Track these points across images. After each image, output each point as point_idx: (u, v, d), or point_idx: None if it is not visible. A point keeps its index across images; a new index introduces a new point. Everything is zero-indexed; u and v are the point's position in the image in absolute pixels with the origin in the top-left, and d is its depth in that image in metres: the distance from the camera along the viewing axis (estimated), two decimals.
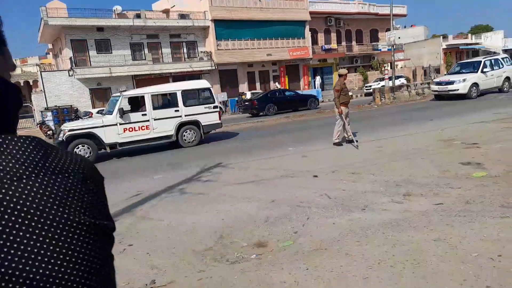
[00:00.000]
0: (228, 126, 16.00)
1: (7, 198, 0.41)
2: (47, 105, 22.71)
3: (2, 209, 0.40)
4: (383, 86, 22.94)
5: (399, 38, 24.81)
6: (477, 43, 48.63)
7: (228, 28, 28.28)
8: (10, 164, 0.43)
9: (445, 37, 48.15)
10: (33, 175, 0.43)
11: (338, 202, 4.58)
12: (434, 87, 18.11)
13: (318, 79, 32.88)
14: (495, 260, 2.76)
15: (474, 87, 16.54)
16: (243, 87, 29.92)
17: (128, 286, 2.99)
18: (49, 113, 21.30)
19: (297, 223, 4.02)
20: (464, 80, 16.58)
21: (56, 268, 0.41)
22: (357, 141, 8.39)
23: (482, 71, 16.71)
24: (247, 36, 29.29)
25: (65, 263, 0.42)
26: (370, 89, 25.59)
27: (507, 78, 17.82)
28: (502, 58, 18.19)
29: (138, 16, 26.32)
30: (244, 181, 6.08)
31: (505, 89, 17.70)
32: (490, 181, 4.74)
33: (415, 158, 6.47)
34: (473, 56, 37.68)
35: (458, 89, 16.44)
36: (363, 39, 38.56)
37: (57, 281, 0.41)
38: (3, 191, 0.41)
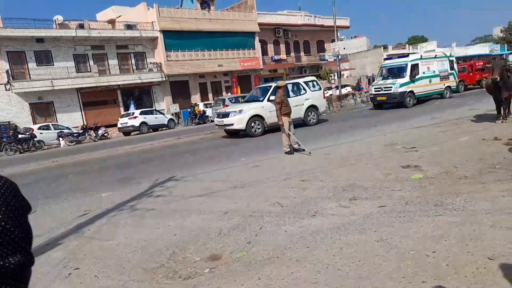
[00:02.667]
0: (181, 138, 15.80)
1: None
2: None
3: None
4: (331, 94, 23.93)
5: (344, 48, 26.11)
6: (414, 53, 52.32)
7: (177, 39, 28.05)
8: None
9: (385, 47, 51.35)
10: None
11: (289, 209, 4.70)
12: (215, 120, 14.40)
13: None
14: (430, 256, 2.99)
15: (256, 121, 12.87)
16: (196, 98, 29.73)
17: None
18: None
19: (250, 233, 4.07)
20: (240, 111, 12.85)
21: None
22: (303, 149, 8.62)
23: (269, 99, 12.74)
24: (198, 47, 29.22)
25: None
26: None
27: (313, 107, 14.22)
28: (306, 82, 14.41)
29: (81, 26, 25.31)
30: (197, 194, 6.03)
31: (310, 120, 14.16)
32: (427, 182, 5.12)
33: (360, 163, 6.82)
34: None
35: (233, 124, 12.84)
36: (310, 50, 40.03)
37: None
38: None
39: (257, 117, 12.90)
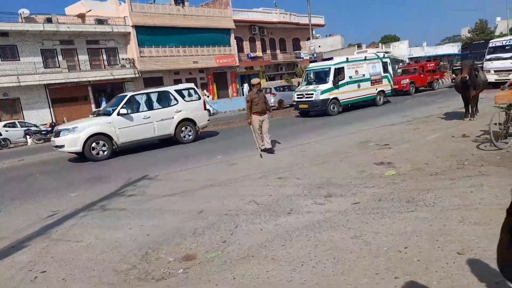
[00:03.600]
0: None
1: None
2: None
3: None
4: None
5: (319, 46, 26.40)
6: (387, 52, 53.62)
7: (151, 34, 27.46)
8: None
9: (359, 46, 52.29)
10: None
11: (265, 207, 4.68)
12: (51, 140, 11.40)
13: (246, 86, 33.41)
14: (402, 252, 3.04)
15: (100, 141, 10.32)
16: None
17: None
18: None
19: (225, 232, 4.02)
20: (74, 129, 10.18)
21: None
22: (262, 151, 8.39)
23: (119, 113, 10.55)
24: (172, 43, 28.73)
25: None
26: None
27: (188, 121, 11.85)
28: (179, 90, 11.95)
29: (49, 20, 24.31)
30: (171, 193, 5.91)
31: (185, 137, 11.82)
32: (399, 179, 5.23)
33: (335, 160, 6.89)
34: None
35: (64, 146, 10.18)
36: (286, 48, 40.18)
37: None
38: None
39: (101, 136, 10.35)
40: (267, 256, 3.31)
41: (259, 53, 36.85)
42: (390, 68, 18.35)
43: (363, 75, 16.79)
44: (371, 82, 17.18)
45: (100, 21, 26.34)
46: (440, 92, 21.23)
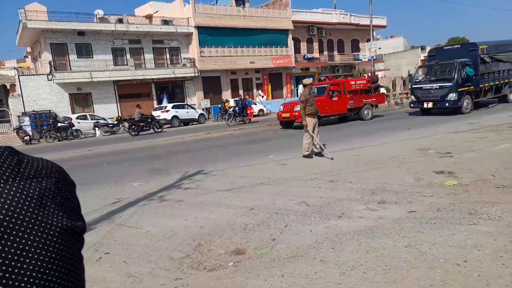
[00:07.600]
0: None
1: None
2: (24, 109, 22.18)
3: None
4: None
5: (379, 48, 25.38)
6: None
7: (211, 35, 28.39)
8: None
9: (423, 48, 49.64)
10: (10, 179, 0.45)
11: (315, 209, 4.67)
12: None
13: (301, 87, 33.26)
14: (461, 265, 2.89)
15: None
16: (226, 94, 30.00)
17: None
18: (27, 118, 20.78)
19: (275, 231, 4.08)
20: None
21: (37, 272, 0.43)
22: (327, 156, 8.02)
23: None
24: (231, 43, 29.46)
25: (44, 264, 0.44)
26: None
27: None
28: None
29: (120, 21, 26.12)
30: (224, 188, 6.11)
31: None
32: (461, 190, 4.93)
33: (391, 167, 6.66)
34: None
35: None
36: (344, 49, 39.34)
37: (38, 283, 0.43)
38: None
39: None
40: (316, 257, 3.32)
41: (315, 54, 36.49)
42: None
43: None
44: None
45: (165, 22, 27.75)
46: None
